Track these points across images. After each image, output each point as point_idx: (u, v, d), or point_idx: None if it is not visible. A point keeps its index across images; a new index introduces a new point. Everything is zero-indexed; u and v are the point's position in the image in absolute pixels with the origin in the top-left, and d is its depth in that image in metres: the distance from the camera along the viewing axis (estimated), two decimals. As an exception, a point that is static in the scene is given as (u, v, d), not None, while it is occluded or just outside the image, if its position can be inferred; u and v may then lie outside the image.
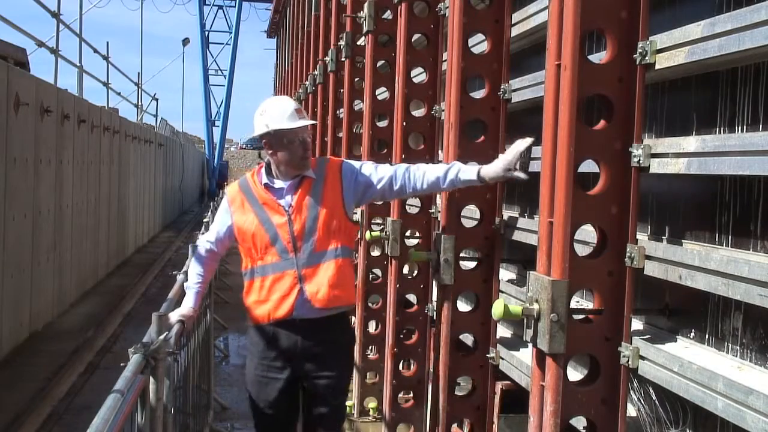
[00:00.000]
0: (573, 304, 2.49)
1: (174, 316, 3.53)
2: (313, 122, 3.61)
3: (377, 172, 3.51)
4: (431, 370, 4.17)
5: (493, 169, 3.21)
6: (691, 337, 2.48)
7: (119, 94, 18.96)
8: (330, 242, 3.42)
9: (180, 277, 4.53)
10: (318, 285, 3.39)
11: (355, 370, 6.04)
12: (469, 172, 3.30)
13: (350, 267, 3.55)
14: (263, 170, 3.54)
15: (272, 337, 3.49)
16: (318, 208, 3.42)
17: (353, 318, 6.30)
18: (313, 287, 3.39)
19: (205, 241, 3.69)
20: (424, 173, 3.42)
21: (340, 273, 3.43)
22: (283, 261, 3.41)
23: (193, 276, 3.70)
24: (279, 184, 3.49)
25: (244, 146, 69.77)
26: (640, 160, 2.37)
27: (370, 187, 3.51)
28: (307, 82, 10.53)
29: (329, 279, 3.40)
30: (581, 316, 2.53)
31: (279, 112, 3.45)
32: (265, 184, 3.50)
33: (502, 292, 3.63)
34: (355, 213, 3.93)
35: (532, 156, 3.30)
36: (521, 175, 3.12)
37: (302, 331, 3.44)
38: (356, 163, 3.62)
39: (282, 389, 3.51)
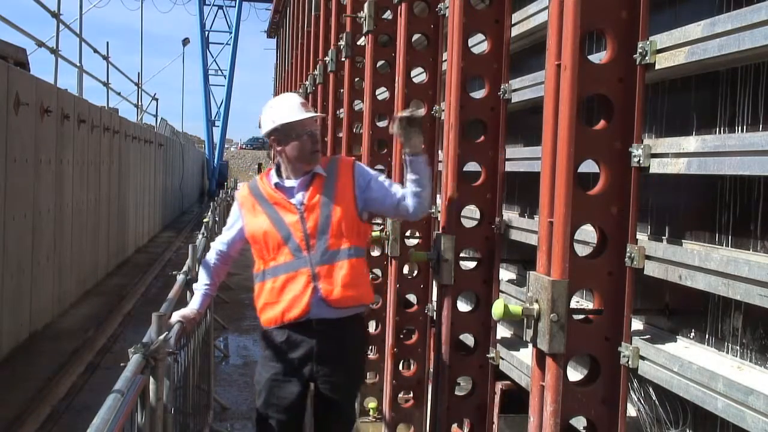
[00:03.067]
0: (573, 304, 2.49)
1: (175, 317, 3.53)
2: (321, 114, 3.61)
3: (391, 189, 3.52)
4: (431, 370, 4.17)
5: (402, 144, 3.43)
6: (691, 337, 2.48)
7: (119, 94, 18.98)
8: (343, 241, 3.38)
9: (180, 277, 4.53)
10: (332, 284, 3.35)
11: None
12: (405, 164, 3.46)
13: (364, 266, 3.51)
14: (273, 171, 3.53)
15: (287, 340, 3.42)
16: (331, 207, 3.39)
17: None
18: (328, 286, 3.34)
19: (219, 243, 3.67)
20: (404, 195, 3.48)
21: (354, 273, 3.39)
22: (296, 259, 3.36)
23: (202, 278, 3.67)
24: (290, 183, 3.46)
25: (244, 146, 69.84)
26: (640, 160, 2.37)
27: (378, 201, 3.50)
28: (307, 82, 10.53)
29: (343, 278, 3.35)
30: (581, 316, 2.53)
31: (285, 107, 3.45)
32: (276, 184, 3.48)
33: (502, 292, 3.63)
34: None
35: (532, 156, 3.31)
36: (405, 113, 3.41)
37: (318, 333, 3.38)
38: (371, 170, 3.62)
39: (297, 393, 3.44)
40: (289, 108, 3.43)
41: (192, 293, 4.00)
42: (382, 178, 3.59)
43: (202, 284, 3.66)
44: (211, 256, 3.68)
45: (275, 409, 3.45)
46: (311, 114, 3.46)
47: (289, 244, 3.37)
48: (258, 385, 3.53)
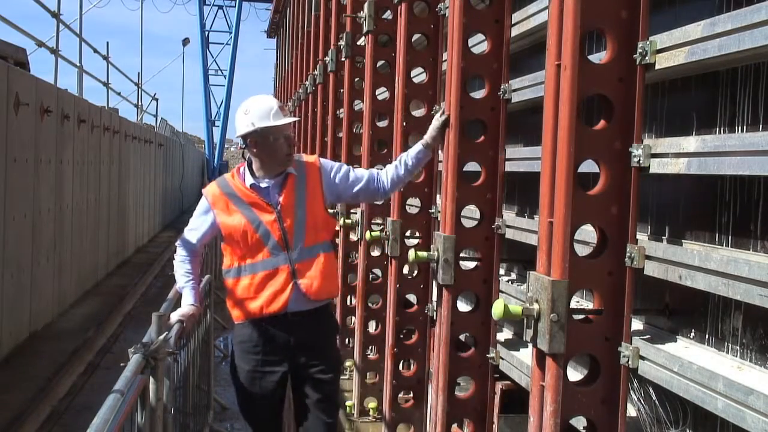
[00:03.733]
0: (573, 304, 2.49)
1: (174, 317, 3.54)
2: (296, 119, 3.72)
3: (354, 174, 3.74)
4: (431, 370, 4.18)
5: (429, 133, 3.66)
6: (691, 337, 2.48)
7: (119, 94, 18.99)
8: (318, 237, 3.58)
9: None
10: (311, 278, 3.53)
11: (355, 370, 6.05)
12: (415, 147, 3.70)
13: (335, 259, 3.78)
14: (244, 170, 3.63)
15: (264, 333, 3.57)
16: (305, 205, 3.57)
17: (353, 318, 6.30)
18: (307, 281, 3.53)
19: (185, 239, 3.74)
20: (386, 171, 3.75)
21: (329, 265, 3.62)
22: (275, 257, 3.52)
23: (182, 276, 3.74)
24: (264, 183, 3.59)
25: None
26: (640, 160, 2.37)
27: (347, 188, 3.71)
28: (307, 82, 10.53)
29: (321, 272, 3.55)
30: (581, 316, 2.53)
31: (263, 111, 3.54)
32: (252, 185, 3.58)
33: (502, 292, 3.63)
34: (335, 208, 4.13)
35: (532, 156, 3.31)
36: (443, 117, 3.64)
37: (294, 324, 3.55)
38: (333, 163, 3.82)
39: (278, 382, 3.60)
40: (268, 112, 3.53)
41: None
42: (344, 168, 3.77)
43: (185, 281, 3.72)
44: (181, 255, 3.76)
45: (258, 398, 3.61)
46: (289, 119, 3.58)
47: (268, 242, 3.52)
48: (238, 378, 3.65)
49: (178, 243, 3.79)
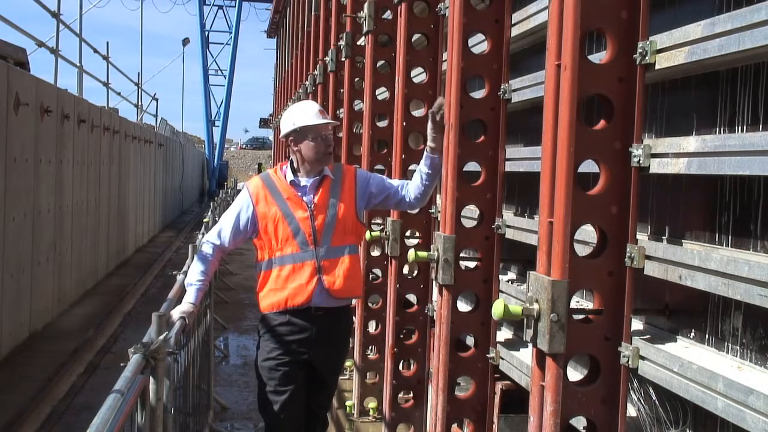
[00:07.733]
0: (573, 304, 2.49)
1: (176, 314, 3.55)
2: (335, 122, 3.86)
3: (386, 182, 3.98)
4: (431, 370, 4.18)
5: (429, 135, 3.73)
6: (691, 337, 2.48)
7: (119, 94, 18.96)
8: (345, 239, 3.78)
9: (180, 277, 4.53)
10: (335, 276, 3.73)
11: (355, 370, 6.05)
12: (423, 157, 3.80)
13: (359, 262, 3.96)
14: (287, 168, 3.84)
15: (288, 324, 3.73)
16: (337, 208, 3.78)
17: (353, 318, 6.30)
18: (331, 278, 3.72)
19: (215, 236, 3.84)
20: (411, 182, 3.91)
21: (353, 267, 3.81)
22: (303, 252, 3.71)
23: (195, 273, 3.79)
24: (303, 181, 3.81)
25: (244, 146, 69.81)
26: (640, 160, 2.37)
27: (378, 195, 3.91)
28: (307, 82, 10.53)
29: (345, 272, 3.75)
30: (581, 316, 2.53)
31: (304, 112, 3.82)
32: (291, 181, 3.80)
33: (502, 292, 3.63)
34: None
35: (532, 156, 3.31)
36: (437, 118, 3.68)
37: (317, 318, 3.73)
38: (369, 173, 4.09)
39: (298, 374, 3.75)
40: (308, 113, 3.81)
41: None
42: (379, 177, 4.01)
43: (195, 279, 3.78)
44: (207, 250, 3.84)
45: (281, 388, 3.72)
46: (326, 121, 3.83)
47: (298, 237, 3.72)
48: (261, 369, 3.78)
49: (206, 239, 3.90)
